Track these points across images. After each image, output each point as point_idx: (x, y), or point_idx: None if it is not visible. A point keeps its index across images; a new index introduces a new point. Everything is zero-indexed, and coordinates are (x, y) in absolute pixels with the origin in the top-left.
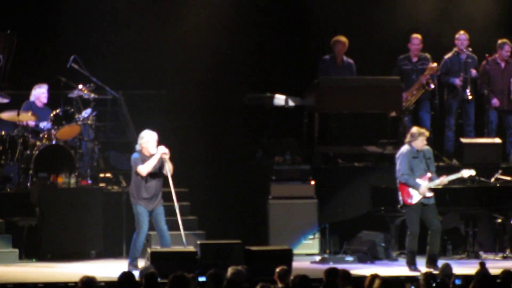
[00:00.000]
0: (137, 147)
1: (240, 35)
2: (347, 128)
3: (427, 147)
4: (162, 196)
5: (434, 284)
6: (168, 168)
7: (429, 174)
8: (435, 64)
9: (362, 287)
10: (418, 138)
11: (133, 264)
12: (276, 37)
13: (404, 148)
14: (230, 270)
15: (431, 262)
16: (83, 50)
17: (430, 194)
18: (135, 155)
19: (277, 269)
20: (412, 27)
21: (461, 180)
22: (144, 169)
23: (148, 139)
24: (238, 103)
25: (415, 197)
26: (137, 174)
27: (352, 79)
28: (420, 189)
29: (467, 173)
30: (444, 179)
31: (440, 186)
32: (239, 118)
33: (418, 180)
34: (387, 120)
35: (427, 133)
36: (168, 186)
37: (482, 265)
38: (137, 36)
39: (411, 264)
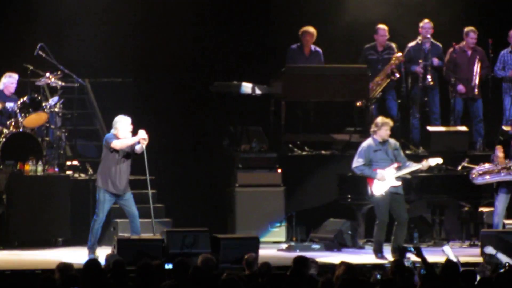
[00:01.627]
0: (112, 130)
1: (208, 22)
2: (313, 116)
3: (393, 140)
4: (129, 183)
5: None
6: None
7: (395, 164)
8: (399, 54)
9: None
10: (381, 128)
11: (91, 249)
12: (243, 25)
13: (366, 142)
14: (200, 258)
15: (396, 252)
16: (50, 38)
17: (397, 183)
18: (109, 134)
19: (246, 256)
20: (377, 18)
21: (428, 168)
22: (119, 143)
23: (122, 124)
24: (205, 91)
25: (382, 187)
26: (110, 150)
27: (319, 67)
28: (378, 175)
29: (434, 161)
30: (424, 164)
31: (407, 175)
32: (206, 106)
33: (382, 170)
34: (353, 108)
35: (391, 123)
36: (138, 174)
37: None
38: (103, 24)
39: (378, 252)
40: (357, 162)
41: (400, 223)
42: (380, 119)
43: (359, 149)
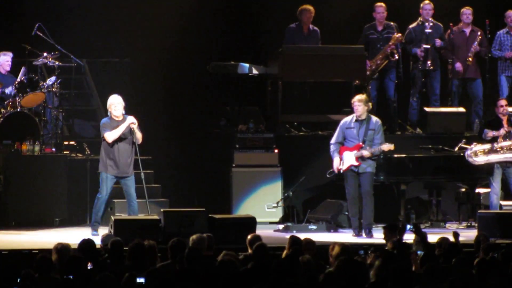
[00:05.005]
0: (108, 111)
1: (205, 2)
2: (310, 96)
3: (375, 119)
4: (133, 165)
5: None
6: (137, 137)
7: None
8: (399, 34)
9: (325, 255)
10: (353, 105)
11: (93, 227)
12: (240, 5)
13: (344, 119)
14: (191, 238)
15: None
16: (48, 17)
17: (356, 163)
18: (104, 120)
19: (249, 236)
20: None
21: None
22: (110, 136)
23: (112, 102)
24: (202, 71)
25: (344, 164)
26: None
27: (316, 47)
28: (334, 163)
29: (386, 146)
30: (370, 150)
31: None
32: (203, 86)
33: (338, 159)
34: (350, 88)
35: (359, 98)
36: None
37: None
38: (100, 4)
39: (355, 229)
40: (332, 139)
41: (362, 193)
42: (356, 97)
43: (336, 128)
